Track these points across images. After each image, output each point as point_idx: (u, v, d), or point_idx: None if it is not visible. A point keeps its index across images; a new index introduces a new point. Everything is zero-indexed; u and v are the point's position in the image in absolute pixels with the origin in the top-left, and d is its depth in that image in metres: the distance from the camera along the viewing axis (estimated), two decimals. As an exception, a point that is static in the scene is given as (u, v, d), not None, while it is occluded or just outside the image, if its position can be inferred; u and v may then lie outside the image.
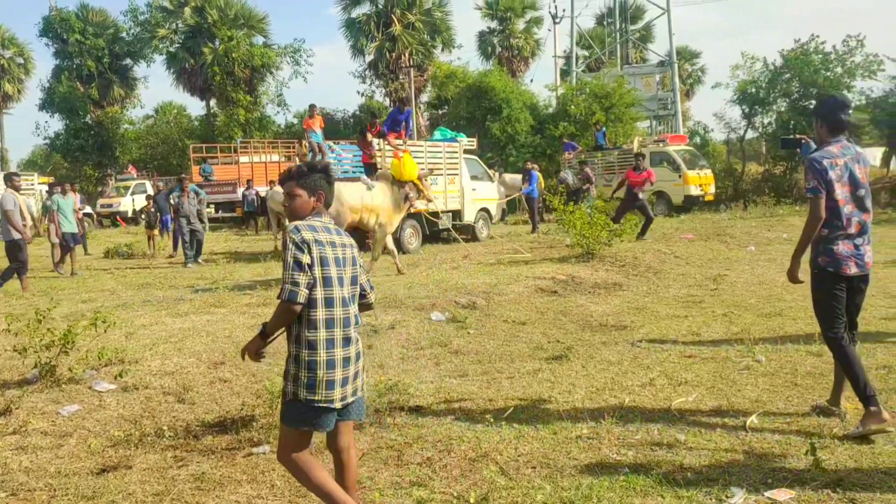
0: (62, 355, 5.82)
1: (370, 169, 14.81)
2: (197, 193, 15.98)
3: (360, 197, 11.56)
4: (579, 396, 5.39)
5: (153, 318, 8.54)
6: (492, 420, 4.94)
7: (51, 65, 41.83)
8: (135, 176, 34.11)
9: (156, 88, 58.10)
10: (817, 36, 23.90)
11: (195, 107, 40.00)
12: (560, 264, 11.39)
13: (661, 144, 22.77)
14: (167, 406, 5.46)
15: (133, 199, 30.46)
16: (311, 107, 16.30)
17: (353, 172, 16.10)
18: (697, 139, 28.46)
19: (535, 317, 8.23)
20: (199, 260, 15.23)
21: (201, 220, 15.74)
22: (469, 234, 16.74)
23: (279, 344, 3.79)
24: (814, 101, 24.19)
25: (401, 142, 15.32)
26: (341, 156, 16.45)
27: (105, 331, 6.22)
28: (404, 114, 15.99)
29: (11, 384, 5.83)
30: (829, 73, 23.38)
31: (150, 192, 27.91)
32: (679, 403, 5.10)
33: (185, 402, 5.53)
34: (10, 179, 12.25)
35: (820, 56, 23.67)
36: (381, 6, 39.27)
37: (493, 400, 5.40)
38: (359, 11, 39.72)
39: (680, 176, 21.64)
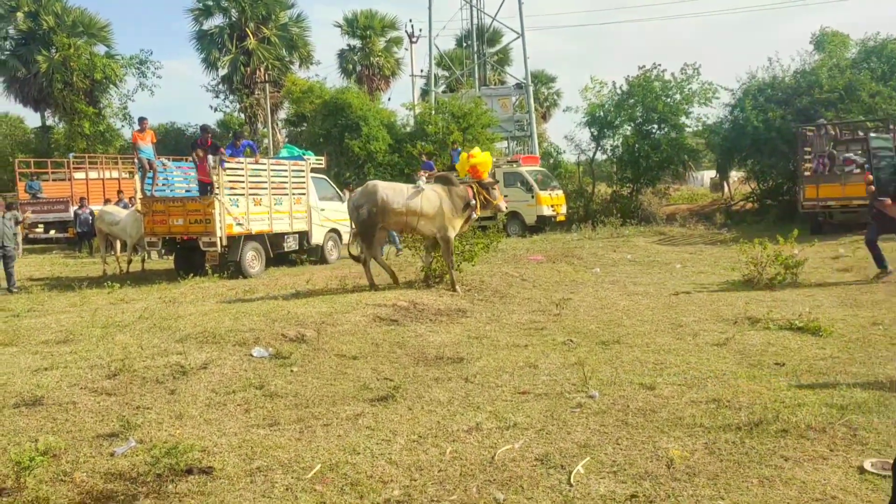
0: None
1: (205, 187, 13.80)
2: (14, 215, 14.31)
3: (403, 200, 10.76)
4: (398, 447, 4.83)
5: (-80, 363, 7.25)
6: (293, 482, 4.29)
7: None
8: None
9: (-13, 98, 53.16)
10: (659, 64, 25.10)
11: (33, 119, 36.91)
12: (404, 290, 10.89)
13: (514, 165, 22.97)
14: None
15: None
16: (141, 120, 15.02)
17: (189, 191, 15.03)
18: (551, 160, 29.06)
19: (369, 350, 7.65)
20: (12, 288, 13.57)
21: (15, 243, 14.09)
22: (317, 256, 15.98)
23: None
24: (655, 126, 25.29)
25: (251, 160, 14.45)
26: (174, 173, 15.33)
27: None
28: (239, 149, 15.07)
29: None
30: (668, 100, 24.50)
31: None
32: (504, 452, 4.64)
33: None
34: None
35: (661, 83, 24.78)
36: (234, 18, 37.85)
37: (300, 455, 4.74)
38: (211, 23, 38.22)
39: (532, 196, 21.87)
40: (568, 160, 29.97)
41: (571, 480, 4.17)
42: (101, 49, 37.73)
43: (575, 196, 25.86)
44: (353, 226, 11.36)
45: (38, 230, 25.30)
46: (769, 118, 21.45)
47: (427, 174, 22.23)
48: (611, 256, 15.31)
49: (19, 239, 14.55)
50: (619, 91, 25.59)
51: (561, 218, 22.76)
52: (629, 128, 25.92)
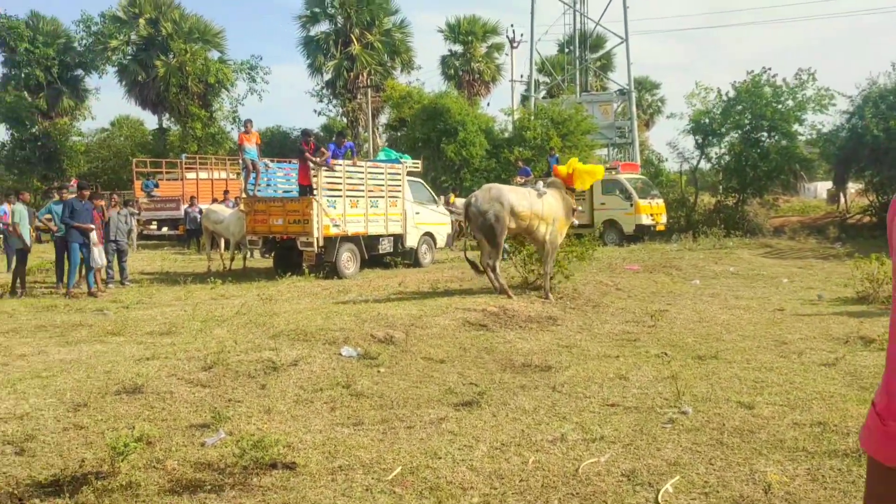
0: None
1: (307, 189, 14.14)
2: (130, 211, 15.15)
3: (528, 203, 10.67)
4: (480, 454, 4.75)
5: (37, 347, 7.75)
6: (372, 483, 4.28)
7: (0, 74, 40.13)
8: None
9: (109, 101, 57.01)
10: (769, 69, 23.97)
11: (152, 121, 39.27)
12: (494, 295, 10.79)
13: (612, 172, 22.47)
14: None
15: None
16: (247, 122, 15.54)
17: (291, 192, 15.45)
18: (652, 168, 28.28)
19: (457, 354, 7.60)
20: (125, 281, 14.33)
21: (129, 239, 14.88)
22: (411, 259, 16.11)
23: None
24: (764, 134, 24.21)
25: (349, 162, 14.73)
26: (278, 174, 15.79)
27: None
28: (342, 149, 15.33)
29: None
30: (780, 106, 23.37)
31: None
32: (589, 465, 4.48)
33: (24, 454, 4.75)
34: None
35: (771, 89, 23.68)
36: (340, 25, 38.82)
37: (381, 456, 4.73)
38: (317, 29, 39.30)
39: (631, 205, 21.33)
40: (670, 168, 29.07)
41: (659, 499, 3.97)
42: (214, 54, 39.56)
43: (676, 205, 25.05)
44: (471, 231, 11.08)
45: (151, 227, 26.71)
46: (891, 127, 20.12)
47: (524, 180, 22.09)
48: (712, 268, 14.72)
49: (134, 235, 15.26)
50: (725, 97, 24.62)
51: (661, 227, 22.10)
52: (736, 135, 24.89)
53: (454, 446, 4.89)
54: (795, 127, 23.49)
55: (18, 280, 13.06)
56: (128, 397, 5.86)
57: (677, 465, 4.47)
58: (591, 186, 21.90)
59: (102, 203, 14.22)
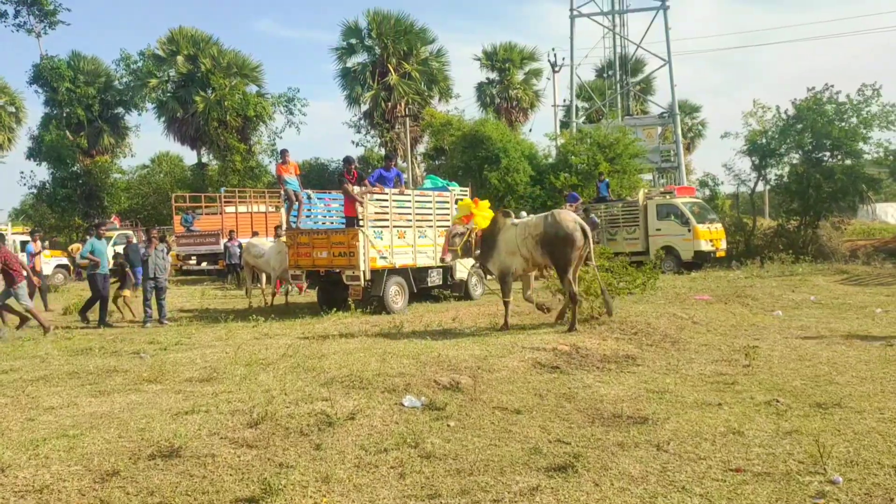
0: None
1: (352, 221, 13.41)
2: (166, 246, 14.60)
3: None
4: (593, 540, 3.81)
5: (68, 398, 6.98)
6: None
7: (41, 113, 40.55)
8: (117, 226, 32.70)
9: (149, 138, 57.51)
10: (831, 85, 22.75)
11: (191, 157, 39.51)
12: (561, 331, 9.85)
13: (668, 196, 21.42)
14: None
15: (114, 250, 29.02)
16: (283, 152, 14.85)
17: (335, 223, 14.75)
18: (707, 191, 27.12)
19: (533, 402, 6.66)
20: (163, 320, 13.67)
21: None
22: (461, 292, 15.22)
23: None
24: (827, 154, 22.98)
25: (395, 190, 13.98)
26: (317, 205, 15.11)
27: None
28: (391, 172, 14.55)
29: None
30: (843, 124, 22.14)
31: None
32: (739, 560, 3.52)
33: (39, 543, 3.95)
34: None
35: (834, 105, 22.49)
36: (377, 55, 38.53)
37: (471, 544, 3.82)
38: (354, 60, 39.06)
39: (689, 230, 20.22)
40: (723, 191, 27.84)
41: None
42: (252, 89, 39.50)
43: (733, 230, 23.82)
44: (544, 259, 10.34)
45: (190, 262, 26.26)
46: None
47: (573, 206, 21.20)
48: (790, 297, 13.56)
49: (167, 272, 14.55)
50: (784, 116, 23.45)
51: (721, 254, 20.93)
52: (796, 155, 23.65)
53: (558, 529, 3.96)
54: (860, 145, 22.21)
55: (92, 311, 13.94)
56: (163, 462, 5.03)
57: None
58: (646, 212, 20.99)
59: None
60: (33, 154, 39.65)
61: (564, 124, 39.82)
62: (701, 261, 20.37)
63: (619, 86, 38.99)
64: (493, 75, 44.01)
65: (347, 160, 14.12)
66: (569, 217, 10.20)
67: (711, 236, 20.50)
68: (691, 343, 9.45)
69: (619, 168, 25.76)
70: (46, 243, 24.66)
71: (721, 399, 6.65)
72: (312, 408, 6.17)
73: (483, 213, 10.70)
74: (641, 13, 36.41)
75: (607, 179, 23.99)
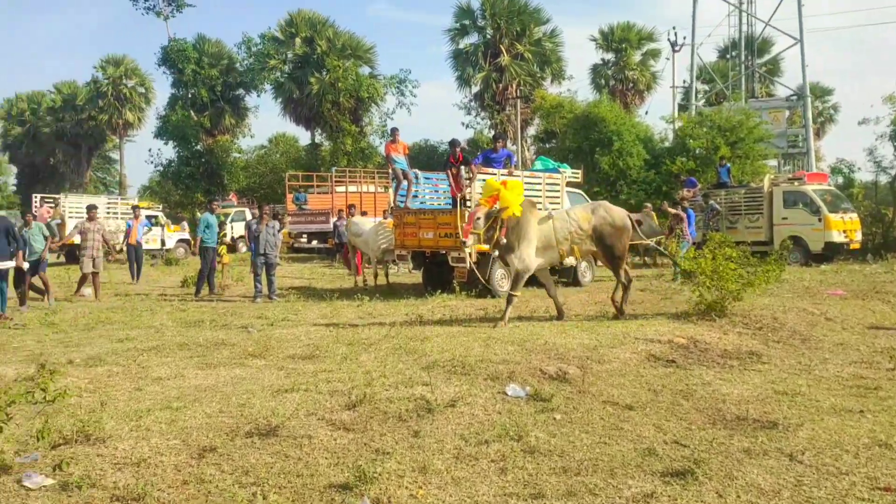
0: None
1: (457, 202, 13.13)
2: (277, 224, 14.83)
3: None
4: (718, 562, 3.36)
5: (175, 369, 7.06)
6: None
7: (168, 94, 42.54)
8: (234, 203, 33.92)
9: (266, 118, 59.59)
10: None
11: (306, 137, 40.69)
12: (677, 322, 9.22)
13: (796, 183, 19.96)
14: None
15: (232, 227, 30.11)
16: (394, 131, 14.74)
17: (441, 204, 14.53)
18: (840, 179, 25.16)
19: (647, 398, 6.18)
20: (273, 296, 13.90)
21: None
22: (569, 277, 14.69)
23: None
24: None
25: (504, 171, 13.57)
26: (423, 185, 14.91)
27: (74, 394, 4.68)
28: (499, 154, 14.10)
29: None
30: None
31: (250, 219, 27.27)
32: None
33: (130, 518, 3.88)
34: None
35: None
36: (489, 36, 38.10)
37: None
38: (466, 42, 38.79)
39: (820, 220, 18.76)
40: (860, 179, 25.76)
41: None
42: (365, 70, 39.96)
43: (870, 220, 21.97)
44: (590, 252, 9.95)
45: (301, 240, 26.86)
46: None
47: (691, 192, 20.19)
48: (938, 295, 12.29)
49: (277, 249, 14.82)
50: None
51: (855, 246, 19.33)
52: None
53: (678, 545, 3.53)
54: None
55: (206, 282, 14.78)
56: (260, 441, 4.92)
57: None
58: (771, 199, 19.67)
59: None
60: (160, 133, 41.65)
61: (683, 107, 38.11)
62: (832, 253, 18.89)
63: (743, 67, 36.91)
64: (609, 56, 42.66)
65: (453, 143, 13.82)
66: (617, 208, 10.21)
67: (845, 227, 18.94)
68: (825, 342, 8.64)
69: (741, 153, 24.27)
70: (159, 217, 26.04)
71: (863, 406, 5.95)
72: (412, 392, 5.93)
73: (516, 197, 9.76)
74: (771, -11, 34.17)
75: (728, 164, 22.65)
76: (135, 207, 21.31)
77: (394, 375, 6.48)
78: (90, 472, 4.33)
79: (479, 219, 9.70)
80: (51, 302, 13.00)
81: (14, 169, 56.86)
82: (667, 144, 27.87)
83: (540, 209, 10.41)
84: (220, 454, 4.68)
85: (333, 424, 5.29)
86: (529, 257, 9.53)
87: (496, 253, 9.95)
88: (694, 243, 14.98)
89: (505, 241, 9.61)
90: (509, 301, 9.54)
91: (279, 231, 14.78)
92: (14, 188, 55.30)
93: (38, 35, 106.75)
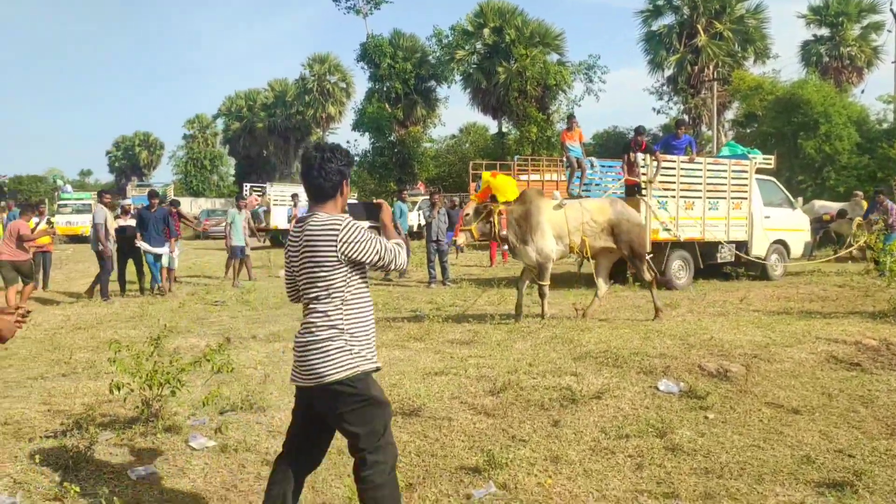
0: (166, 396, 4.85)
1: (633, 189, 12.73)
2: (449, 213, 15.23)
3: None
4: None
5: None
6: None
7: (366, 88, 44.93)
8: (422, 192, 35.12)
9: (455, 109, 61.11)
10: None
11: (493, 126, 41.57)
12: (872, 322, 8.34)
13: None
14: (259, 484, 4.15)
15: (419, 215, 31.24)
16: (570, 118, 14.52)
17: (616, 193, 14.13)
18: None
19: (818, 402, 5.66)
20: (447, 282, 14.31)
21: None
22: (757, 271, 13.73)
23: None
24: None
25: (684, 158, 12.97)
26: (608, 174, 14.58)
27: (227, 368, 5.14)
28: (681, 140, 13.42)
29: (107, 424, 4.97)
30: None
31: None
32: None
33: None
34: (101, 196, 13.94)
35: None
36: (685, 16, 36.33)
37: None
38: (660, 23, 37.21)
39: None
40: None
41: None
42: (553, 57, 39.65)
43: None
44: (601, 246, 9.29)
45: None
46: None
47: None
48: None
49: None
50: None
51: None
52: None
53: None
54: None
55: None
56: (402, 420, 5.12)
57: None
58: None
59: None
60: (357, 125, 44.04)
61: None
62: None
63: None
64: (823, 31, 39.06)
65: (638, 130, 13.39)
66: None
67: None
68: None
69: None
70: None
71: None
72: (559, 381, 5.88)
73: (503, 187, 9.17)
74: None
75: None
76: (294, 195, 22.93)
77: (544, 363, 6.45)
78: (247, 437, 4.74)
79: (467, 215, 9.26)
80: (238, 284, 14.20)
81: (233, 161, 62.83)
82: (885, 126, 25.16)
83: (561, 202, 9.75)
84: (363, 429, 4.92)
85: (475, 409, 5.38)
86: (547, 247, 9.01)
87: (520, 246, 9.16)
88: None
89: (506, 233, 9.07)
90: (542, 294, 9.10)
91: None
92: (233, 178, 61.09)
93: (255, 38, 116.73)
